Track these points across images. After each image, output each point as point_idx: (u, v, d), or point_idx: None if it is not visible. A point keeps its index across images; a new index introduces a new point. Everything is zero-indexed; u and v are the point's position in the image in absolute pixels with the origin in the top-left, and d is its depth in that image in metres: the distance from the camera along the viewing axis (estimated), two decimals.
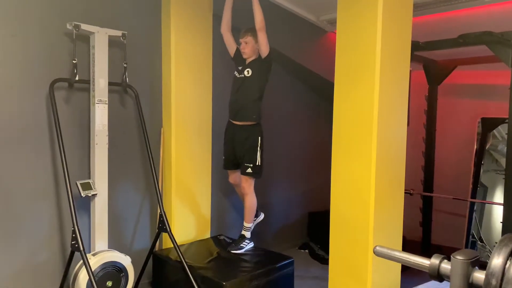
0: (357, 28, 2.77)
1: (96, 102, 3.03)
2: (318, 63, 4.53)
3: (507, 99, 3.34)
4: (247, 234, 3.49)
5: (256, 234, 4.34)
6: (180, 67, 3.53)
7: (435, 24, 3.95)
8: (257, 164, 3.34)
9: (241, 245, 3.41)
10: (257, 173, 3.36)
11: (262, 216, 3.71)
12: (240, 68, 3.41)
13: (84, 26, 2.94)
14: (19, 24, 2.80)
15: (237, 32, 3.44)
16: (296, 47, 4.40)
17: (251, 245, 3.47)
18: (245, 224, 3.50)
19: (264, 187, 4.03)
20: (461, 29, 3.50)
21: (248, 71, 3.33)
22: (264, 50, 3.27)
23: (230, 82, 3.80)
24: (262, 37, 3.21)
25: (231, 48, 3.49)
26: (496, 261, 0.83)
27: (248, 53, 3.34)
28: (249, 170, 3.33)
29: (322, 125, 4.79)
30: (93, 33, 3.01)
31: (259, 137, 3.36)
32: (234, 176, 3.57)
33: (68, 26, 2.91)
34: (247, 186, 3.39)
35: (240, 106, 3.36)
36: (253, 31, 3.26)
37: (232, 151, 3.46)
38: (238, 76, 3.41)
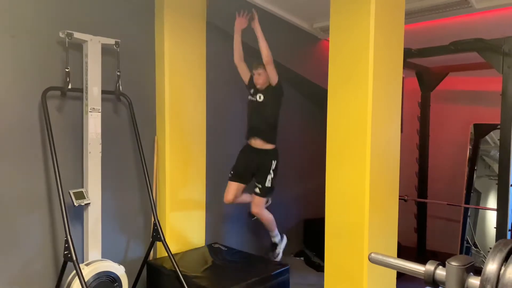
0: (350, 36, 2.79)
1: (89, 110, 3.02)
2: (311, 70, 4.55)
3: (499, 105, 3.37)
4: (276, 239, 3.68)
5: (251, 241, 4.33)
6: (174, 75, 3.53)
7: (427, 31, 3.99)
8: (266, 185, 3.55)
9: (277, 251, 3.63)
10: (264, 194, 3.58)
11: (285, 240, 3.86)
12: (252, 91, 3.58)
13: (77, 35, 2.93)
14: (11, 32, 2.78)
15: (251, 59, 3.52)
16: (290, 55, 4.42)
17: (284, 240, 3.67)
18: (271, 234, 3.70)
19: None
20: (453, 36, 3.53)
21: (260, 96, 3.53)
22: (274, 80, 3.46)
23: (224, 90, 3.81)
24: (271, 69, 3.41)
25: (245, 76, 3.64)
26: (491, 266, 0.83)
27: (261, 83, 3.53)
28: (257, 190, 3.57)
29: (316, 132, 4.79)
30: (86, 41, 3.00)
31: (274, 161, 3.55)
32: (232, 190, 3.63)
33: (61, 35, 2.90)
34: (255, 206, 3.61)
35: (257, 130, 3.56)
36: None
37: (245, 169, 3.63)
38: (251, 99, 3.61)
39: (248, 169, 3.61)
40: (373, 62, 2.67)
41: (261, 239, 4.50)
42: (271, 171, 3.54)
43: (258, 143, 3.56)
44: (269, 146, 3.56)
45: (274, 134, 3.58)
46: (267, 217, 3.68)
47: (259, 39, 3.38)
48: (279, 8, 4.03)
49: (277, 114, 3.58)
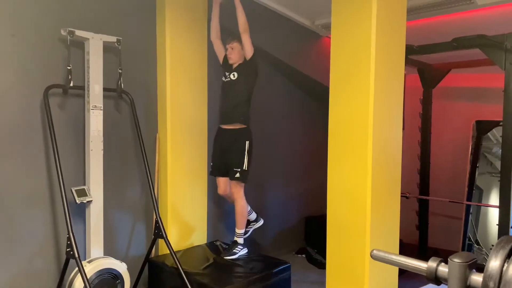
0: (351, 32, 2.78)
1: (91, 108, 3.02)
2: (313, 67, 4.54)
3: (501, 101, 3.36)
4: (240, 240, 3.47)
5: (253, 239, 4.34)
6: (175, 73, 3.53)
7: (429, 27, 3.98)
8: (244, 169, 3.34)
9: (234, 251, 3.40)
10: (244, 178, 3.37)
11: (261, 222, 3.71)
12: (227, 73, 3.45)
13: (79, 32, 2.94)
14: (13, 30, 2.78)
15: (226, 35, 3.46)
16: (291, 52, 4.41)
17: (245, 251, 3.45)
18: (237, 231, 3.48)
19: (260, 192, 4.02)
20: (455, 32, 3.52)
21: (234, 74, 3.36)
22: (248, 52, 3.30)
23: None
24: (246, 39, 3.26)
25: (221, 55, 3.53)
26: (494, 263, 0.83)
27: (234, 58, 3.38)
28: (238, 175, 3.34)
29: (318, 129, 4.79)
30: (88, 39, 3.00)
31: (247, 141, 3.37)
32: (223, 185, 3.53)
33: (63, 32, 2.90)
34: (237, 192, 3.40)
35: (228, 109, 3.38)
36: (239, 37, 3.30)
37: (221, 156, 3.46)
38: (225, 80, 3.44)
39: (223, 156, 3.42)
40: (375, 59, 2.66)
41: (262, 237, 4.51)
42: (245, 153, 3.33)
43: (230, 124, 3.37)
44: (240, 126, 3.35)
45: (246, 113, 3.36)
46: (243, 206, 3.41)
47: (236, 4, 3.24)
48: (281, 5, 4.01)
49: (251, 91, 3.38)
